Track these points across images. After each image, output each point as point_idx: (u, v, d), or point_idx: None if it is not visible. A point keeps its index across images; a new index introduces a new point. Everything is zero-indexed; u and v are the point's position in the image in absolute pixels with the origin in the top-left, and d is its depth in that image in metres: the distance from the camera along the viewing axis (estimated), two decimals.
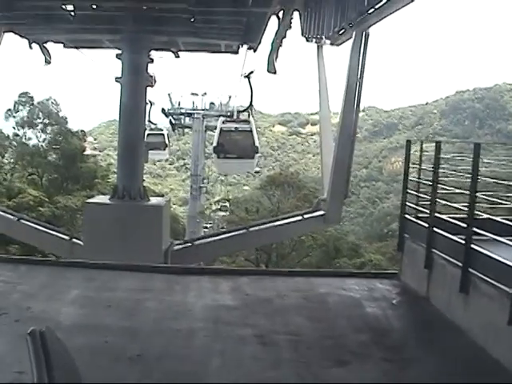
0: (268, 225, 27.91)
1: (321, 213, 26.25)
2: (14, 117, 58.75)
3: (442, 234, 11.55)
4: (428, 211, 12.50)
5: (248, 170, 47.83)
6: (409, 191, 13.87)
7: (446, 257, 11.28)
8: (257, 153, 36.27)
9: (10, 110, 59.03)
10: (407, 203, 13.95)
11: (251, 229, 27.63)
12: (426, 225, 12.29)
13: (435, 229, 11.86)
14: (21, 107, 58.90)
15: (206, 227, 65.31)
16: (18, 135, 59.34)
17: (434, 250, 11.91)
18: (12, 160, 58.93)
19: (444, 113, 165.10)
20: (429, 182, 12.49)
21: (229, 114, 48.54)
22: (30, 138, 59.27)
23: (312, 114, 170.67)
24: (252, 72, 33.83)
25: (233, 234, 28.21)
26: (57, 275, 13.65)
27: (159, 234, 24.67)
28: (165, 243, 25.16)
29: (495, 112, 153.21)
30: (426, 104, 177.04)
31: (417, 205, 13.40)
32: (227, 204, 59.87)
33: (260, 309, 11.52)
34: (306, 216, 27.05)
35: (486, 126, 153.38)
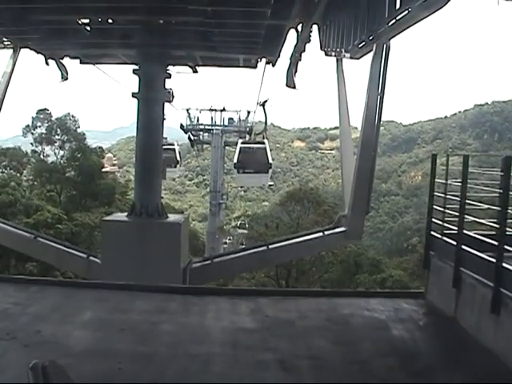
0: (288, 242, 27.41)
1: (342, 229, 25.77)
2: (33, 133, 58.83)
3: (471, 252, 11.02)
4: (455, 228, 12.00)
5: (263, 183, 54.30)
6: (435, 207, 13.30)
7: (476, 276, 10.76)
8: (270, 168, 44.13)
9: (28, 126, 59.10)
10: (433, 219, 13.39)
11: (271, 246, 27.16)
12: (454, 242, 11.76)
13: (464, 246, 11.33)
14: (39, 123, 58.97)
15: (226, 243, 64.93)
16: (36, 152, 59.41)
17: (462, 269, 11.39)
18: (31, 177, 58.79)
19: (463, 126, 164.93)
20: (456, 197, 11.97)
21: (248, 129, 53.49)
22: (47, 155, 59.25)
23: (331, 129, 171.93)
24: (266, 101, 43.06)
25: (252, 251, 27.78)
26: (69, 296, 13.24)
27: (177, 251, 24.30)
28: (183, 261, 24.82)
29: None
30: (445, 118, 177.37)
31: (443, 221, 12.84)
32: (245, 223, 59.40)
33: (281, 331, 11.05)
34: (326, 232, 26.56)
35: (506, 140, 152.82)
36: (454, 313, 11.68)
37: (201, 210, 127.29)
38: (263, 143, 43.65)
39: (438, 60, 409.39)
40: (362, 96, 23.15)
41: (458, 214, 11.81)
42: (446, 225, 12.72)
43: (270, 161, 43.25)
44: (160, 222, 25.36)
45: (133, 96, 25.44)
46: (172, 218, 26.72)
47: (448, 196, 12.71)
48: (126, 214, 26.42)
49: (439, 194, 13.05)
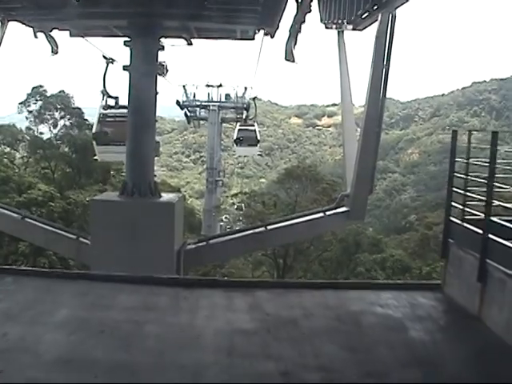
0: (287, 222, 26.18)
1: (344, 209, 24.63)
2: (30, 112, 58.25)
3: (500, 242, 9.69)
4: (478, 213, 10.72)
5: (254, 153, 68.93)
6: (454, 189, 11.89)
7: (507, 270, 9.43)
8: (258, 142, 58.91)
9: (23, 102, 58.47)
10: (452, 203, 12.01)
11: (269, 227, 25.93)
12: (479, 230, 10.41)
13: (491, 235, 10.00)
14: (34, 100, 58.33)
15: (222, 221, 64.60)
16: (30, 129, 58.84)
17: (489, 261, 10.05)
18: (25, 154, 58.15)
19: (460, 104, 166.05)
20: (481, 179, 10.64)
21: (245, 106, 61.26)
22: (42, 133, 58.80)
23: (328, 106, 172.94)
24: (255, 97, 61.10)
25: (249, 232, 26.55)
26: (46, 289, 11.90)
27: (171, 232, 23.29)
28: (177, 243, 23.78)
29: None
30: (443, 95, 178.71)
31: (464, 205, 11.47)
32: (242, 205, 59.53)
33: (284, 333, 9.71)
34: (328, 213, 25.36)
35: (503, 117, 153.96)
36: (479, 311, 10.37)
37: (198, 187, 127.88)
38: (253, 125, 58.60)
39: (436, 36, 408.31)
40: (362, 71, 22.17)
41: (484, 198, 10.47)
42: (467, 210, 11.38)
43: (258, 138, 58.33)
44: (153, 202, 24.32)
45: (124, 69, 24.27)
46: (166, 197, 25.62)
47: (469, 177, 11.34)
48: (117, 193, 25.29)
49: (460, 175, 11.66)
